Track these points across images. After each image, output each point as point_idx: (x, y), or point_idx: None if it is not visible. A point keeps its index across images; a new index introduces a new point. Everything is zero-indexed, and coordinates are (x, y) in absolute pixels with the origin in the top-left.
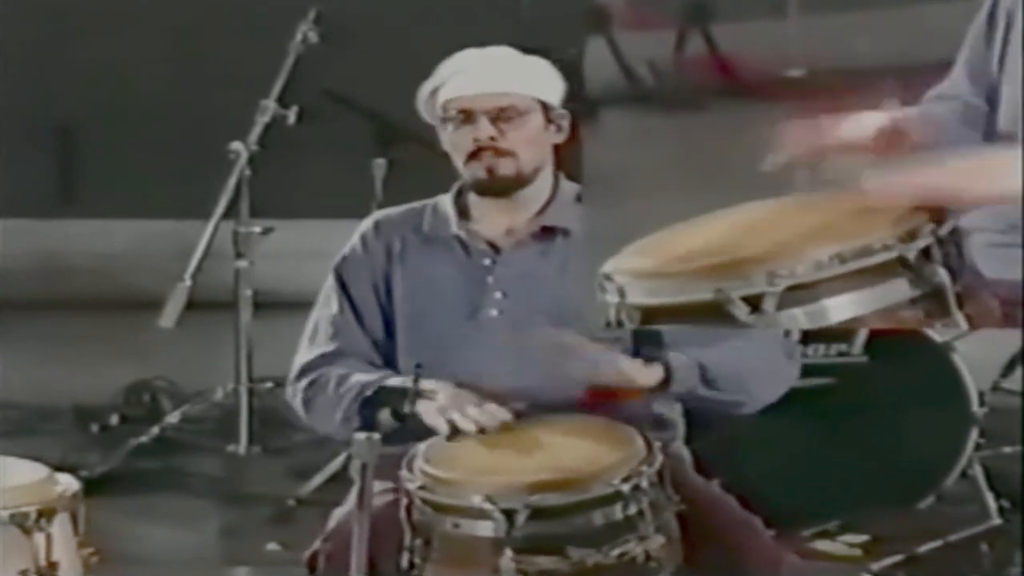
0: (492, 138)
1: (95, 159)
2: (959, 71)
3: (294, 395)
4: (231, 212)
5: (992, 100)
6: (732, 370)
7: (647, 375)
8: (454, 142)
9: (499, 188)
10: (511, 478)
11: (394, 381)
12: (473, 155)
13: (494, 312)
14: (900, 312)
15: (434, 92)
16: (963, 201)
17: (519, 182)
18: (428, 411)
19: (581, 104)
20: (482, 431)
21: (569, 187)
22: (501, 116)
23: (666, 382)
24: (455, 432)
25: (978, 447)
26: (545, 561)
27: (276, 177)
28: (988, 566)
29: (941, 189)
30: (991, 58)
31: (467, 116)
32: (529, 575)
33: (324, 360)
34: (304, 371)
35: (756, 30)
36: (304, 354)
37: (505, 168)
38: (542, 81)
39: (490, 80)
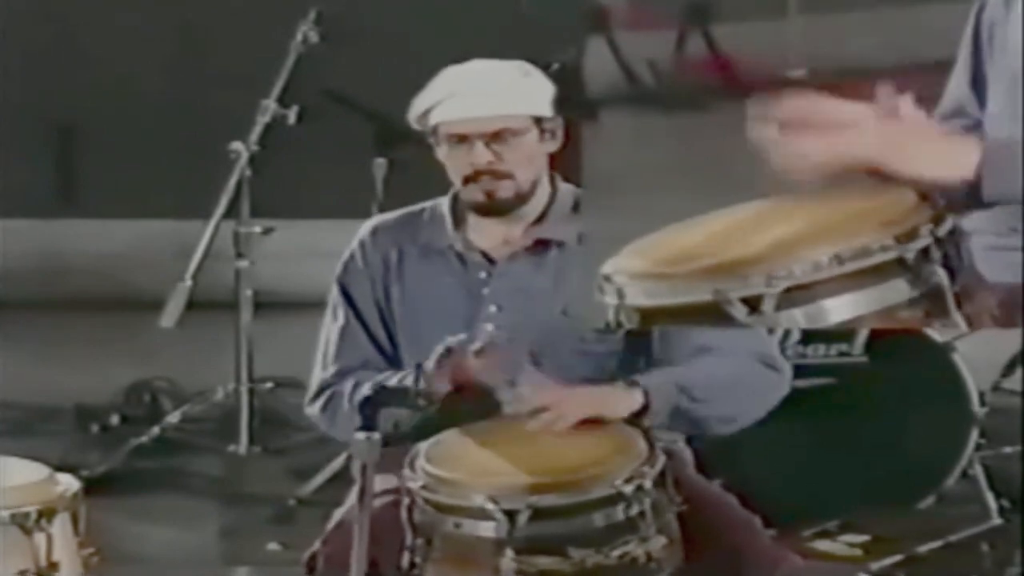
0: (489, 162)
1: (95, 159)
2: (956, 86)
3: (314, 414)
4: (231, 212)
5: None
6: (716, 384)
7: (628, 403)
8: (450, 163)
9: (499, 210)
10: (513, 478)
11: (393, 380)
12: (470, 178)
13: (489, 326)
14: (899, 312)
15: (426, 111)
16: (889, 172)
17: (519, 202)
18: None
19: (581, 105)
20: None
21: (567, 194)
22: (496, 139)
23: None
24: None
25: (978, 447)
26: (546, 562)
27: (276, 177)
28: (988, 566)
29: (864, 156)
30: (981, 71)
31: (461, 139)
32: None
33: (338, 376)
34: (321, 390)
35: (756, 30)
36: (319, 373)
37: (504, 191)
38: (534, 95)
39: (484, 103)
